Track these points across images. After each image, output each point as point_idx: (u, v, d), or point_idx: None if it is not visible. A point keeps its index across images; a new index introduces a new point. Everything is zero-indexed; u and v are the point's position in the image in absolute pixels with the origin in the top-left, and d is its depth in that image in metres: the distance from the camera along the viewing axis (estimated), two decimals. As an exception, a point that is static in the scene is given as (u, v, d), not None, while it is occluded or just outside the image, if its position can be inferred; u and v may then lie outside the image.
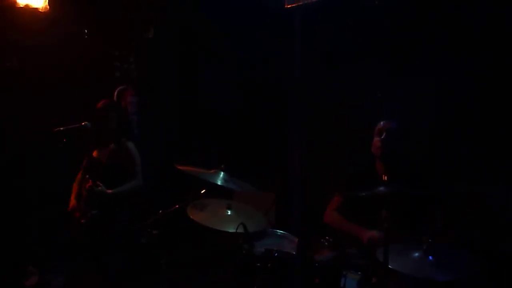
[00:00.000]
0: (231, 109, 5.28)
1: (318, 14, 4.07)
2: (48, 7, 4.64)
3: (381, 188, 2.76)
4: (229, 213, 3.48)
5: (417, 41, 4.09)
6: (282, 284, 3.24)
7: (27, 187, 4.79)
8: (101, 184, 3.90)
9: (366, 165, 3.60)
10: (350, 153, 4.21)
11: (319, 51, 4.39)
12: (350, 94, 4.44)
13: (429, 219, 3.34)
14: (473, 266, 2.71)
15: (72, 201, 4.06)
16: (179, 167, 3.41)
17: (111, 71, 4.98)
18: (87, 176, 3.95)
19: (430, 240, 2.70)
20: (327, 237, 3.45)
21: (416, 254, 2.70)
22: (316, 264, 3.18)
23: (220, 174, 3.43)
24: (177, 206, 3.51)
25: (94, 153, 4.12)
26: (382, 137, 3.45)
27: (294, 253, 3.31)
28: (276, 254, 3.28)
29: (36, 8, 4.59)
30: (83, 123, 3.94)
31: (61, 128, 3.86)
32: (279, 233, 3.69)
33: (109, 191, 3.93)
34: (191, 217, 3.36)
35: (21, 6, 4.57)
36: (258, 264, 3.24)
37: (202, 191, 3.57)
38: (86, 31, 5.02)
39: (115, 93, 4.94)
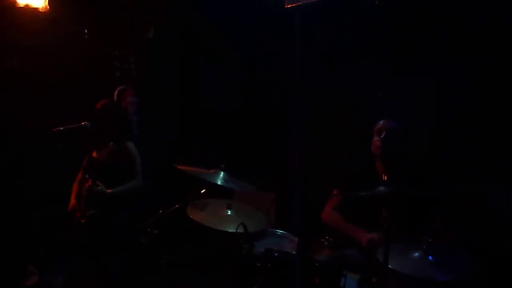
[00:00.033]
0: (231, 109, 5.28)
1: (318, 14, 4.07)
2: (48, 7, 4.65)
3: (381, 188, 2.76)
4: (229, 213, 3.48)
5: (417, 41, 4.08)
6: (282, 284, 3.24)
7: (27, 187, 4.79)
8: (100, 184, 3.89)
9: (366, 165, 3.60)
10: (350, 153, 4.21)
11: (319, 51, 4.39)
12: (350, 94, 4.43)
13: (429, 219, 3.34)
14: (473, 266, 2.71)
15: (72, 201, 4.06)
16: (179, 167, 3.41)
17: (111, 71, 4.98)
18: (87, 176, 3.95)
19: (430, 240, 2.70)
20: (327, 237, 3.44)
21: (416, 254, 2.70)
22: (316, 264, 3.19)
23: (220, 174, 3.43)
24: (177, 206, 3.50)
25: (94, 153, 4.12)
26: (382, 136, 3.45)
27: (294, 253, 3.31)
28: (276, 254, 3.28)
29: (36, 8, 4.60)
30: (82, 123, 3.93)
31: (61, 128, 3.86)
32: (279, 233, 3.69)
33: (109, 190, 3.93)
34: (191, 217, 3.36)
35: (21, 6, 4.58)
36: (258, 264, 3.25)
37: (202, 191, 3.57)
38: (86, 31, 5.02)
39: (115, 93, 4.95)
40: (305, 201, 3.65)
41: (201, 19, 5.23)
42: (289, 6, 3.98)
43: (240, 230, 3.22)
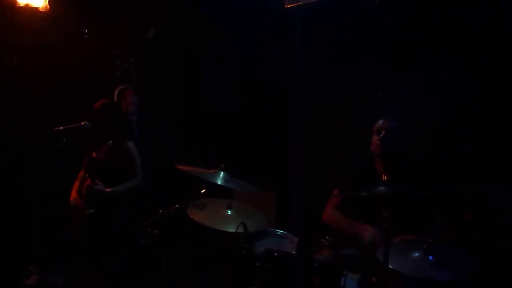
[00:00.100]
0: (231, 109, 5.27)
1: (318, 14, 4.08)
2: (48, 6, 4.65)
3: (381, 188, 2.76)
4: (229, 213, 3.48)
5: (418, 41, 4.08)
6: (282, 284, 3.24)
7: (27, 187, 4.78)
8: (99, 183, 3.90)
9: (366, 165, 3.60)
10: (350, 153, 4.21)
11: (319, 51, 4.39)
12: (350, 94, 4.43)
13: (429, 219, 3.34)
14: (473, 266, 2.70)
15: (74, 194, 4.06)
16: (179, 167, 3.41)
17: (111, 71, 4.98)
18: (87, 175, 3.96)
19: (430, 240, 2.70)
20: (327, 237, 3.44)
21: (416, 254, 2.70)
22: (316, 264, 3.19)
23: (220, 173, 3.42)
24: (177, 206, 3.50)
25: (94, 153, 4.12)
26: (381, 135, 3.45)
27: (294, 253, 3.31)
28: (276, 254, 3.28)
29: (37, 8, 4.60)
30: (82, 123, 3.94)
31: (61, 128, 3.86)
32: (279, 233, 3.69)
33: (108, 190, 3.93)
34: (191, 217, 3.36)
35: (22, 5, 4.58)
36: (258, 264, 3.25)
37: (202, 191, 3.57)
38: (86, 30, 5.02)
39: (115, 92, 4.95)
40: (305, 201, 3.66)
41: (201, 19, 5.23)
42: (289, 6, 3.98)
43: (240, 230, 3.21)
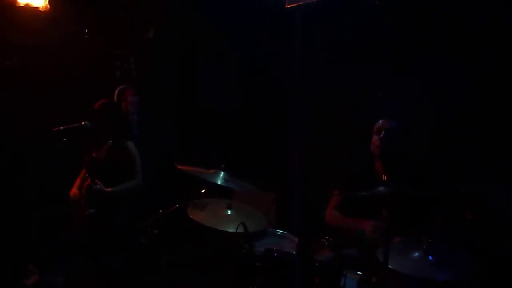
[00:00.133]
0: (231, 109, 5.27)
1: (319, 14, 4.08)
2: (48, 6, 4.65)
3: (381, 188, 2.76)
4: (229, 213, 3.48)
5: (418, 41, 4.08)
6: (282, 284, 3.24)
7: (27, 187, 4.78)
8: (99, 182, 3.89)
9: (366, 165, 3.60)
10: (350, 153, 4.21)
11: (319, 51, 4.39)
12: (350, 94, 4.43)
13: (429, 219, 3.34)
14: (473, 266, 2.71)
15: (74, 190, 4.06)
16: (179, 167, 3.41)
17: (112, 71, 4.98)
18: (87, 174, 3.96)
19: (430, 240, 2.70)
20: (327, 237, 3.45)
21: (416, 254, 2.70)
22: (316, 264, 3.19)
23: (220, 173, 3.43)
24: (177, 206, 3.50)
25: (94, 153, 4.11)
26: (381, 135, 3.46)
27: (294, 253, 3.31)
28: (276, 254, 3.28)
29: (37, 7, 4.60)
30: (83, 123, 3.94)
31: (61, 128, 3.86)
32: (279, 233, 3.70)
33: (108, 189, 3.93)
34: (191, 216, 3.36)
35: (22, 5, 4.58)
36: (258, 264, 3.25)
37: (202, 191, 3.57)
38: (86, 30, 5.02)
39: (115, 92, 4.95)
40: (305, 201, 3.66)
41: (201, 19, 5.23)
42: (290, 6, 3.98)
43: (240, 230, 3.22)
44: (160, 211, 3.54)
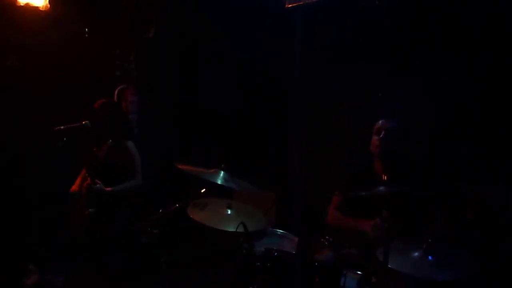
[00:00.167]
0: (231, 109, 5.27)
1: (319, 14, 4.08)
2: (48, 5, 4.64)
3: (381, 188, 2.76)
4: (229, 213, 3.49)
5: (418, 41, 4.08)
6: (282, 284, 3.24)
7: (27, 187, 4.78)
8: (99, 182, 3.89)
9: (366, 165, 3.60)
10: (350, 153, 4.21)
11: (319, 51, 4.39)
12: (350, 94, 4.43)
13: (429, 219, 3.34)
14: (473, 266, 2.71)
15: (74, 187, 4.06)
16: (179, 166, 3.41)
17: (112, 70, 4.97)
18: (87, 174, 3.96)
19: (430, 240, 2.70)
20: (327, 237, 3.45)
21: (416, 254, 2.71)
22: (316, 264, 3.19)
23: (220, 173, 3.43)
24: (177, 205, 3.51)
25: (94, 152, 4.11)
26: (381, 136, 3.46)
27: (294, 252, 3.31)
28: (276, 254, 3.29)
29: (37, 7, 4.60)
30: (83, 122, 3.94)
31: (62, 127, 3.86)
32: (279, 233, 3.70)
33: (108, 189, 3.93)
34: (191, 216, 3.37)
35: (22, 4, 4.57)
36: (258, 264, 3.25)
37: (202, 191, 3.57)
38: (86, 30, 5.02)
39: (116, 92, 4.95)
40: (305, 201, 3.66)
41: (201, 19, 5.23)
42: (290, 5, 3.99)
43: (240, 229, 3.22)
44: (160, 210, 3.54)
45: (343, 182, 3.69)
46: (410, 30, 4.08)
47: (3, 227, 4.55)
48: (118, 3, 5.07)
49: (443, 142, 4.01)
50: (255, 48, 5.06)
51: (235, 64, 5.34)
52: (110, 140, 4.10)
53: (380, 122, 3.53)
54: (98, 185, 3.88)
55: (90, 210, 3.90)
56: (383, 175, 2.87)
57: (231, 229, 3.27)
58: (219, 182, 3.38)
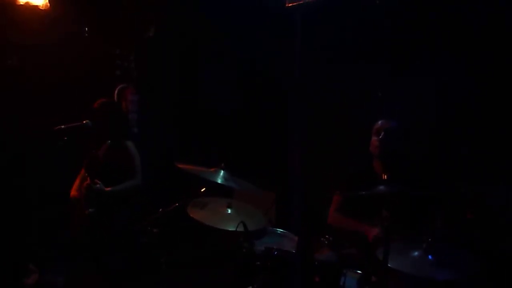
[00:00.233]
0: (231, 109, 5.28)
1: (319, 14, 4.08)
2: (48, 4, 4.64)
3: (381, 188, 2.76)
4: (229, 212, 3.49)
5: (418, 41, 4.09)
6: (282, 283, 3.24)
7: (27, 187, 4.78)
8: (99, 182, 3.89)
9: (366, 165, 3.60)
10: (350, 153, 4.21)
11: (319, 51, 4.39)
12: (350, 94, 4.44)
13: (429, 219, 3.35)
14: (473, 266, 2.71)
15: (73, 192, 4.06)
16: (179, 166, 3.41)
17: (112, 70, 4.97)
18: (86, 174, 3.96)
19: (430, 240, 2.70)
20: (327, 236, 3.45)
21: (416, 254, 2.71)
22: (316, 263, 3.19)
23: (220, 172, 3.43)
24: (177, 204, 3.50)
25: (94, 152, 4.11)
26: (380, 136, 3.46)
27: (294, 251, 3.31)
28: (276, 253, 3.29)
29: (37, 6, 4.59)
30: (84, 122, 3.94)
31: (62, 126, 3.86)
32: (279, 232, 3.70)
33: (107, 189, 3.93)
34: (191, 215, 3.37)
35: (22, 3, 4.57)
36: (258, 263, 3.25)
37: (202, 190, 3.57)
38: (86, 30, 5.02)
39: (116, 91, 4.94)
40: (305, 201, 3.66)
41: (201, 19, 5.23)
42: (290, 5, 3.98)
43: (240, 228, 3.22)
44: (160, 209, 3.54)
45: (343, 182, 3.69)
46: (410, 30, 4.09)
47: (3, 227, 4.55)
48: (118, 3, 5.07)
49: (443, 142, 4.01)
50: (255, 48, 5.06)
51: (235, 64, 5.34)
52: (110, 140, 4.09)
53: (380, 122, 3.53)
54: (98, 185, 3.88)
55: (90, 210, 3.89)
56: (383, 175, 2.87)
57: (231, 228, 3.27)
58: (219, 181, 3.37)
